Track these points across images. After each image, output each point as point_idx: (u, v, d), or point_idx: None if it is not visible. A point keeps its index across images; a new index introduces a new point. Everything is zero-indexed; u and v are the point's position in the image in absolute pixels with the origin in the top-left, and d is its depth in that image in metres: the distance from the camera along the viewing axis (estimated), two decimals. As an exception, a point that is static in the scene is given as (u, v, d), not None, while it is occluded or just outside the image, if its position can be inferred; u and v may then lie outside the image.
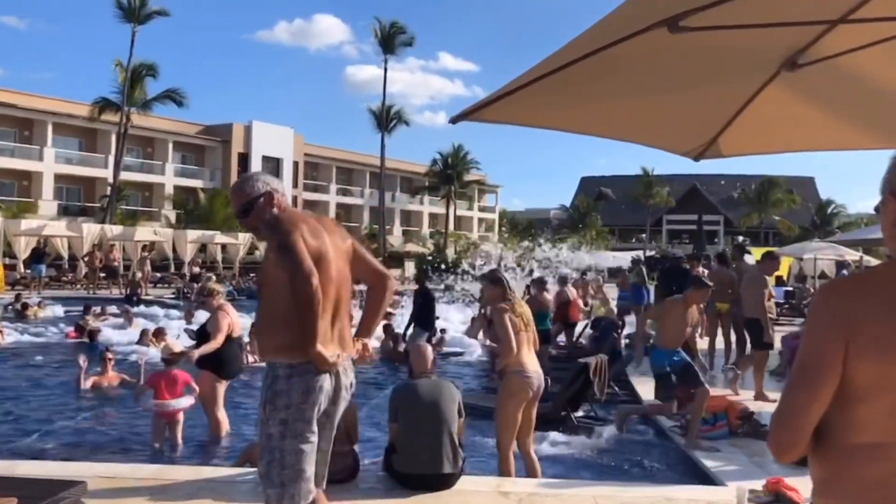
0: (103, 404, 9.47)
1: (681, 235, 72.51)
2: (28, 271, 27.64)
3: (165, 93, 41.18)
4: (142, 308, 21.61)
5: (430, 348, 6.05)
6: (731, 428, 7.50)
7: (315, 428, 3.30)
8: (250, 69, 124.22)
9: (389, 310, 20.11)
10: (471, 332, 15.00)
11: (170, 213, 46.25)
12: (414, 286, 15.56)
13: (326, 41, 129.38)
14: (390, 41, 53.28)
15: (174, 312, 20.26)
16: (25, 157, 43.59)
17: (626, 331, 15.22)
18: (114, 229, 32.91)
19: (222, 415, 7.46)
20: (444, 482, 5.29)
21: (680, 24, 2.27)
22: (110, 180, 41.10)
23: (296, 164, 56.87)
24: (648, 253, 48.12)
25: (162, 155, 50.38)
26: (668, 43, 2.39)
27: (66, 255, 31.49)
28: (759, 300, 9.43)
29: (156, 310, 21.30)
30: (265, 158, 54.48)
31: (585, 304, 19.16)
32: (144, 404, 7.45)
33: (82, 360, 9.92)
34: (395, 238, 59.60)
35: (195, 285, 23.07)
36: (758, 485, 5.31)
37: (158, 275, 31.70)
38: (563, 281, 14.82)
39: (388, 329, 14.37)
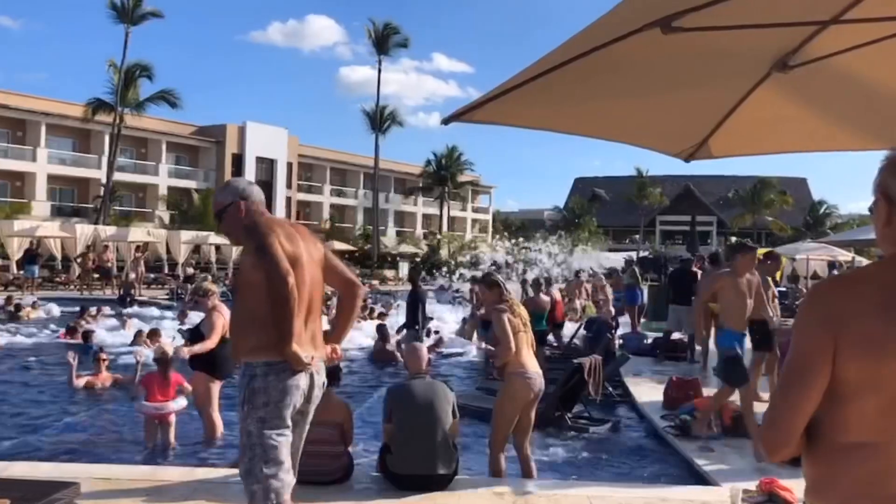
0: (97, 405, 9.45)
1: (674, 236, 72.63)
2: (21, 272, 27.54)
3: (159, 93, 41.13)
4: (136, 309, 21.57)
5: (425, 349, 6.05)
6: (725, 428, 7.52)
7: (290, 423, 3.43)
8: (244, 70, 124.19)
9: (382, 311, 20.17)
10: (462, 334, 15.09)
11: (163, 213, 46.16)
12: (408, 287, 15.58)
13: (320, 42, 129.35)
14: (384, 42, 53.25)
15: (168, 313, 20.22)
16: (18, 158, 43.43)
17: (619, 331, 15.27)
18: (107, 230, 32.81)
19: (216, 415, 7.45)
20: (438, 483, 5.30)
21: (673, 25, 2.28)
22: (104, 181, 40.98)
23: (290, 164, 56.79)
24: (642, 254, 48.15)
25: (155, 156, 50.25)
26: (660, 44, 2.40)
27: (59, 255, 31.39)
28: (761, 301, 9.37)
29: (150, 311, 21.27)
30: (259, 159, 54.40)
31: (575, 304, 19.19)
32: (137, 405, 7.44)
33: (72, 357, 9.89)
34: (389, 239, 59.57)
35: (189, 286, 23.02)
36: (751, 485, 5.32)
37: (152, 276, 31.61)
38: (547, 282, 14.83)
39: (381, 329, 14.37)
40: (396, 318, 16.46)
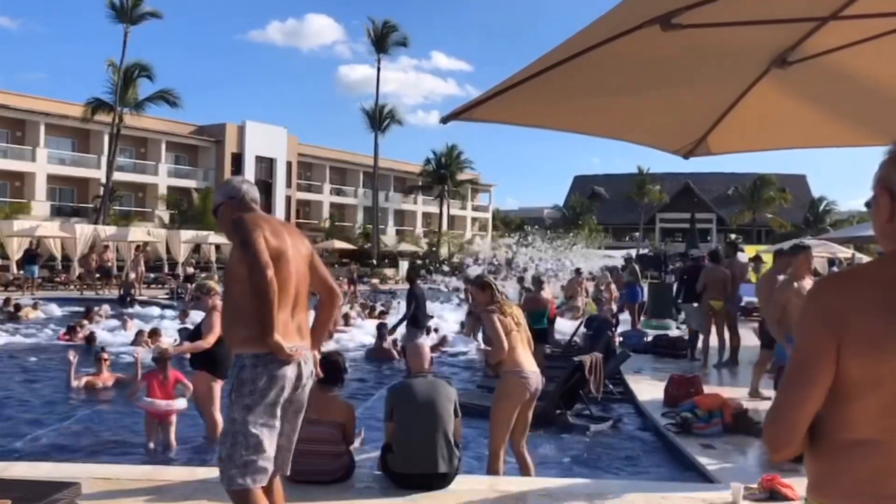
0: (97, 405, 9.44)
1: (674, 233, 72.67)
2: (21, 272, 27.54)
3: (158, 93, 41.09)
4: (136, 308, 21.58)
5: (427, 347, 6.04)
6: (726, 426, 7.52)
7: (278, 413, 3.52)
8: (243, 69, 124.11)
9: (383, 310, 20.17)
10: (467, 331, 15.10)
11: (163, 213, 46.14)
12: (407, 285, 15.54)
13: (319, 41, 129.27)
14: (383, 41, 53.20)
15: (169, 313, 20.23)
16: (18, 158, 43.42)
17: (619, 329, 15.27)
18: (107, 230, 32.80)
19: (218, 415, 7.44)
20: (439, 481, 5.29)
21: (672, 22, 2.28)
22: (103, 181, 40.97)
23: (289, 164, 56.77)
24: (642, 251, 48.14)
25: (155, 155, 50.23)
26: (659, 41, 2.40)
27: (59, 255, 31.39)
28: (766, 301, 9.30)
29: (151, 310, 21.27)
30: (259, 158, 54.38)
31: (577, 302, 19.20)
32: (138, 403, 7.44)
33: (72, 356, 9.88)
34: (389, 238, 59.57)
35: (189, 286, 23.02)
36: (753, 482, 5.32)
37: (152, 275, 31.62)
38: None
39: (380, 328, 14.38)
40: (397, 316, 16.45)
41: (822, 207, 70.37)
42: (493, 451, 5.77)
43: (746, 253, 26.24)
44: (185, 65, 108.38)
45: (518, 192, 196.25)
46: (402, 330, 13.11)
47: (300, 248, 3.72)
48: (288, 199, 57.01)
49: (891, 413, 1.62)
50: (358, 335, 15.96)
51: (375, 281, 38.50)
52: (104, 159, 42.54)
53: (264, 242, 3.45)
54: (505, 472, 5.84)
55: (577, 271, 21.13)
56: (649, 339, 14.19)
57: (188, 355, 7.43)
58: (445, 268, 33.98)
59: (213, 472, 5.69)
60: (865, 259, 22.75)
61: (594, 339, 12.46)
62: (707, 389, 8.69)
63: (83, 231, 31.25)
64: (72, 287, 28.85)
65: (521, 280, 19.87)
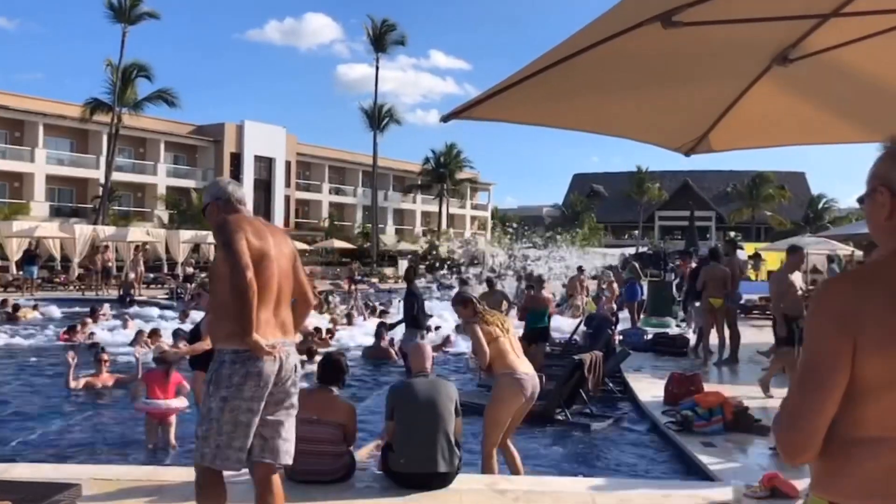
0: (97, 406, 9.44)
1: (673, 231, 72.66)
2: (20, 273, 27.52)
3: (157, 93, 41.03)
4: (136, 309, 21.56)
5: (429, 347, 6.04)
6: (727, 424, 7.51)
7: (256, 407, 3.65)
8: (242, 69, 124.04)
9: (383, 309, 20.17)
10: (464, 330, 15.08)
11: (162, 213, 46.11)
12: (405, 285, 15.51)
13: (317, 40, 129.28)
14: (382, 40, 53.15)
15: (169, 313, 20.21)
16: (16, 159, 43.38)
17: (619, 327, 15.26)
18: (106, 230, 32.75)
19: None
20: (440, 481, 5.29)
21: (673, 19, 2.27)
22: (102, 181, 40.93)
23: (288, 163, 56.74)
24: (641, 249, 48.15)
25: (154, 155, 50.19)
26: (660, 38, 2.39)
27: (58, 256, 31.36)
28: (779, 298, 9.26)
29: (150, 311, 21.25)
30: (257, 158, 54.35)
31: (577, 301, 19.19)
32: (138, 404, 7.43)
33: (71, 358, 9.88)
34: (389, 237, 59.56)
35: (188, 286, 23.01)
36: (754, 480, 5.32)
37: (151, 275, 31.60)
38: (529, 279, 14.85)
39: (380, 328, 14.36)
40: (397, 316, 16.43)
41: (821, 205, 70.37)
42: (486, 453, 5.79)
43: (745, 251, 26.29)
44: (184, 64, 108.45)
45: (517, 191, 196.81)
46: (401, 330, 13.08)
47: (283, 248, 3.84)
48: (287, 198, 56.99)
49: None
50: (358, 335, 15.94)
51: (375, 280, 38.49)
52: (103, 159, 42.52)
53: (246, 244, 3.58)
54: (498, 469, 5.85)
55: (580, 269, 21.08)
56: (649, 337, 14.19)
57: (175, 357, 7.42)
58: (444, 268, 33.94)
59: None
60: (860, 255, 22.72)
61: (594, 338, 12.46)
62: (707, 387, 8.68)
63: (82, 231, 31.21)
64: (71, 287, 28.83)
65: (519, 280, 19.90)
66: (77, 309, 20.71)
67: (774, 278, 9.57)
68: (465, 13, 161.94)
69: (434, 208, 63.57)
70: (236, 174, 53.44)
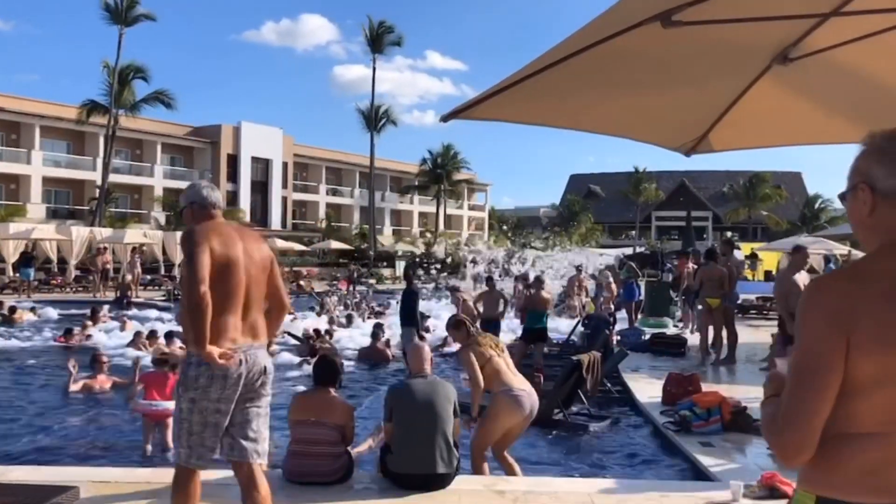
0: (95, 408, 9.41)
1: (670, 231, 72.75)
2: (17, 275, 27.46)
3: (153, 94, 41.00)
4: (134, 311, 21.52)
5: (427, 348, 6.03)
6: (725, 423, 7.51)
7: (224, 408, 3.79)
8: (238, 70, 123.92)
9: (379, 310, 20.15)
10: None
11: (159, 215, 46.03)
12: (403, 285, 15.52)
13: (314, 41, 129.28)
14: (379, 41, 53.19)
15: (166, 315, 20.16)
16: (13, 161, 43.31)
17: (617, 327, 15.26)
18: (103, 232, 32.69)
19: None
20: (438, 482, 5.28)
21: (673, 19, 2.26)
22: (99, 183, 40.88)
23: (285, 164, 56.71)
24: (638, 249, 48.20)
25: (151, 157, 50.14)
26: (660, 38, 2.38)
27: (54, 258, 31.30)
28: (784, 298, 9.25)
29: (148, 312, 21.22)
30: (254, 159, 54.32)
31: (574, 302, 19.18)
32: (136, 407, 7.41)
33: (72, 365, 9.84)
34: (386, 238, 59.53)
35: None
36: (753, 480, 5.31)
37: (148, 277, 31.52)
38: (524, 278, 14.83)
39: (376, 328, 14.34)
40: (394, 317, 16.42)
41: (817, 205, 70.44)
42: (474, 452, 5.84)
43: (742, 251, 26.32)
44: (180, 66, 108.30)
45: (514, 192, 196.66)
46: (397, 330, 13.09)
47: (255, 253, 3.92)
48: (284, 199, 56.95)
49: (894, 412, 1.60)
50: (357, 336, 15.93)
51: (372, 281, 38.47)
52: (100, 161, 42.45)
53: (206, 258, 3.67)
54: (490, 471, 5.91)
55: (578, 269, 21.00)
56: (647, 337, 14.19)
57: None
58: (438, 267, 33.95)
59: (211, 475, 5.67)
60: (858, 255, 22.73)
61: (592, 338, 12.46)
62: (705, 387, 8.69)
63: (79, 233, 31.14)
64: (68, 289, 28.77)
65: (516, 280, 19.88)
66: (74, 311, 20.66)
67: (778, 278, 9.58)
68: (461, 14, 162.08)
69: (431, 209, 63.57)
70: (233, 175, 53.42)
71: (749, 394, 8.82)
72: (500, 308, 12.70)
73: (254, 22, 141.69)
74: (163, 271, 34.20)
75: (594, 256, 30.12)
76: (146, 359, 9.88)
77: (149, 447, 7.29)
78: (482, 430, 5.82)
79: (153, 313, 21.01)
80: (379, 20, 53.21)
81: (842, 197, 1.79)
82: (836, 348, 1.61)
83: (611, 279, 18.94)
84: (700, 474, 6.30)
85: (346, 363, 12.59)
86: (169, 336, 12.33)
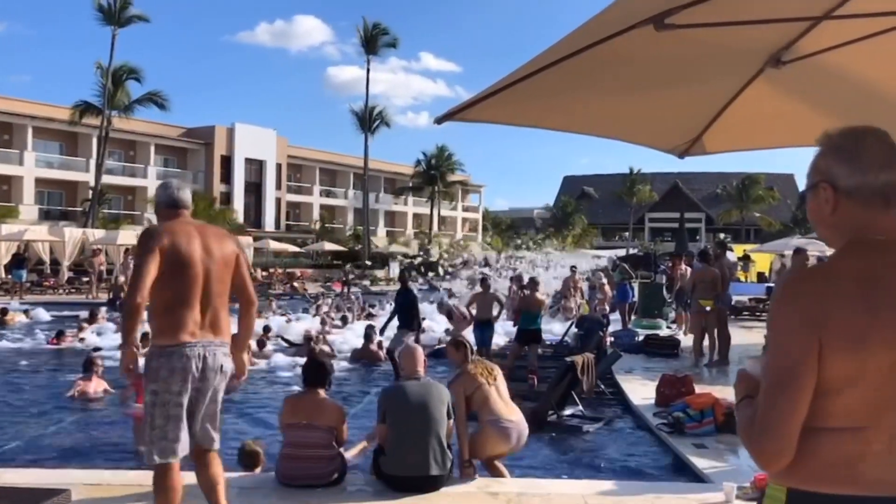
0: (87, 410, 9.37)
1: (663, 233, 72.90)
2: (9, 276, 27.35)
3: (147, 95, 40.91)
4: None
5: (421, 350, 6.02)
6: (718, 425, 7.52)
7: (182, 400, 3.90)
8: (232, 71, 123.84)
9: (371, 311, 20.14)
10: (456, 332, 15.10)
11: (153, 216, 45.77)
12: (397, 286, 15.50)
13: (307, 42, 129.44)
14: (373, 42, 53.11)
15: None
16: (5, 162, 43.14)
17: (610, 328, 15.27)
18: (96, 233, 32.57)
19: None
20: (431, 484, 5.27)
21: (666, 22, 2.26)
22: (92, 184, 40.76)
23: (279, 165, 56.63)
24: (631, 251, 48.26)
25: (144, 158, 50.01)
26: (653, 41, 2.38)
27: (47, 259, 31.17)
28: None
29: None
30: (248, 161, 54.23)
31: (570, 303, 19.19)
32: (128, 410, 7.38)
33: (78, 392, 9.82)
34: (380, 239, 59.50)
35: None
36: (746, 481, 5.32)
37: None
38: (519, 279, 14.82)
39: (368, 330, 14.31)
40: (385, 318, 16.40)
41: (810, 206, 70.60)
42: (461, 472, 5.78)
43: (735, 252, 26.39)
44: (174, 67, 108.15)
45: (508, 193, 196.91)
46: (391, 330, 13.05)
47: (215, 251, 4.02)
48: (278, 200, 56.86)
49: (868, 407, 1.60)
50: (350, 338, 15.90)
51: (366, 283, 38.44)
52: (93, 162, 42.32)
53: (153, 265, 3.81)
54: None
55: (573, 269, 20.96)
56: (640, 338, 14.20)
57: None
58: (437, 270, 33.92)
59: (204, 477, 5.65)
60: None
61: (585, 339, 12.47)
62: (698, 389, 8.69)
63: (72, 235, 31.02)
64: (60, 291, 28.67)
65: (511, 281, 19.87)
66: (66, 313, 20.58)
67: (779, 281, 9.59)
68: (455, 16, 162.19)
69: (425, 210, 63.56)
70: (227, 177, 53.33)
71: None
72: (496, 311, 12.68)
73: (247, 23, 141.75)
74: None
75: (587, 259, 30.15)
76: (140, 360, 9.83)
77: (141, 449, 7.26)
78: (466, 442, 5.75)
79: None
80: (374, 22, 53.20)
81: (802, 197, 1.79)
82: (809, 349, 1.60)
83: (604, 280, 18.93)
84: (693, 476, 6.30)
85: (339, 364, 12.65)
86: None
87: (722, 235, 61.70)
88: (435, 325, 16.88)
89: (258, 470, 5.93)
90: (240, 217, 49.97)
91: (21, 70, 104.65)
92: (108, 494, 5.11)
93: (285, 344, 14.87)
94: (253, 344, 12.96)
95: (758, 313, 19.51)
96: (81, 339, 15.13)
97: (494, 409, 5.74)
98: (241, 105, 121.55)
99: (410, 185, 62.54)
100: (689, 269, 16.34)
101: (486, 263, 26.17)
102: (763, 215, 69.03)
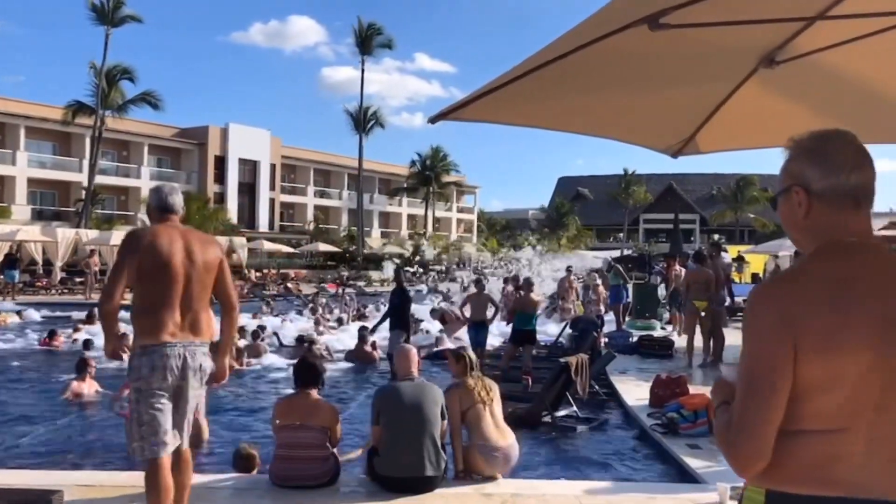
0: (81, 412, 9.34)
1: (657, 234, 73.05)
2: (1, 277, 27.25)
3: (140, 96, 40.81)
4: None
5: (415, 350, 6.01)
6: (712, 426, 7.53)
7: (166, 395, 4.01)
8: (226, 71, 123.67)
9: (364, 312, 20.11)
10: (448, 333, 15.11)
11: (146, 217, 45.63)
12: (391, 287, 15.49)
13: (302, 42, 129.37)
14: (368, 42, 53.14)
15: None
16: (-3, 162, 43.02)
17: (604, 329, 15.29)
18: (89, 234, 32.48)
19: (203, 420, 7.38)
20: (426, 485, 5.26)
21: (660, 22, 2.26)
22: (85, 184, 40.64)
23: (273, 166, 56.55)
24: (626, 252, 48.35)
25: (137, 158, 49.88)
26: (648, 40, 2.38)
27: (40, 260, 31.07)
28: None
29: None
30: (242, 161, 54.13)
31: (567, 304, 19.20)
32: (121, 412, 7.35)
33: (73, 385, 9.78)
34: (374, 240, 59.46)
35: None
36: (739, 482, 5.31)
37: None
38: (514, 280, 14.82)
39: (361, 331, 14.30)
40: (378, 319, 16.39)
41: (804, 207, 70.84)
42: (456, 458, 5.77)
43: (729, 253, 26.42)
44: (168, 67, 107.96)
45: (503, 194, 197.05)
46: (384, 330, 13.04)
47: (198, 255, 4.12)
48: (272, 201, 56.78)
49: (846, 406, 1.60)
50: (345, 339, 15.89)
51: (361, 283, 38.42)
52: (86, 163, 42.19)
53: (126, 272, 3.98)
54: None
55: (568, 269, 20.95)
56: (634, 339, 14.22)
57: None
58: (434, 268, 33.92)
59: (197, 478, 5.64)
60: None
61: (580, 340, 12.46)
62: (692, 389, 8.70)
63: (64, 235, 30.92)
64: (53, 292, 28.58)
65: (506, 281, 19.87)
66: (59, 314, 20.52)
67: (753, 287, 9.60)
68: (449, 16, 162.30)
69: (420, 211, 63.55)
70: (220, 177, 53.23)
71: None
72: (490, 313, 12.67)
73: (241, 23, 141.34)
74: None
75: (581, 259, 30.15)
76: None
77: (132, 447, 7.23)
78: (457, 446, 5.70)
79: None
80: (369, 22, 53.22)
81: (773, 201, 1.79)
82: (783, 354, 1.60)
83: (599, 281, 18.95)
84: (687, 476, 6.31)
85: (333, 366, 12.63)
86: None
87: (716, 236, 61.75)
88: (432, 327, 16.87)
89: (254, 473, 5.92)
90: (234, 217, 49.86)
91: (14, 70, 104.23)
92: (101, 496, 5.09)
93: (277, 342, 14.85)
94: (241, 343, 12.97)
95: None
96: (75, 341, 15.08)
97: (485, 433, 5.66)
98: (234, 105, 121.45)
99: (405, 185, 62.53)
100: (683, 270, 16.38)
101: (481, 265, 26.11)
102: (757, 216, 69.21)
